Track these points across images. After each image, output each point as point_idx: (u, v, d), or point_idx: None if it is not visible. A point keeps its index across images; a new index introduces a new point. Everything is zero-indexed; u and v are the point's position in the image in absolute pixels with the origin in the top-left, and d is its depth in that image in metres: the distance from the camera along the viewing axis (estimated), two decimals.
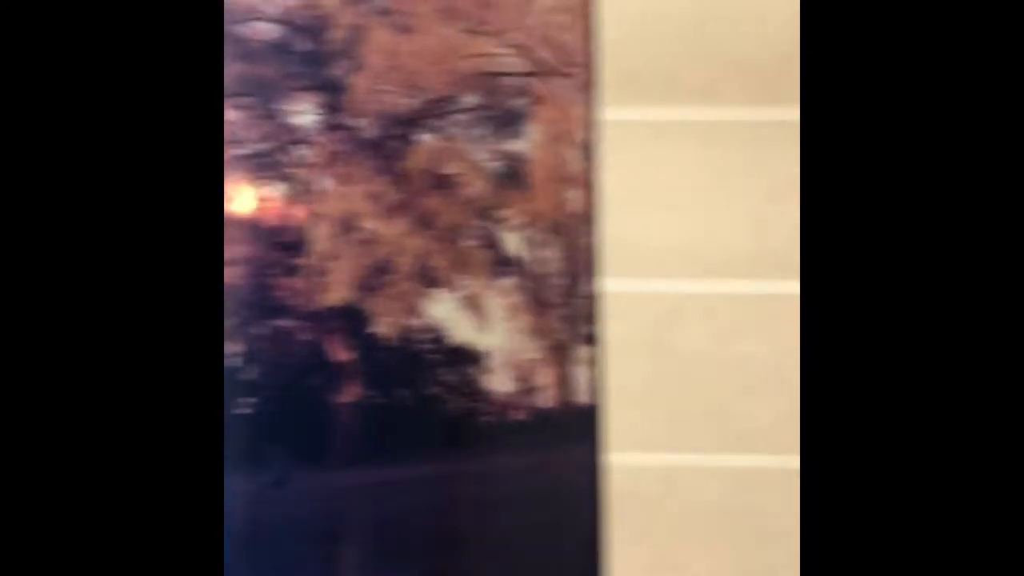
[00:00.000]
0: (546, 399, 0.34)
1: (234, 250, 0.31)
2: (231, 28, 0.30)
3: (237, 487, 0.31)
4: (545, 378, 0.34)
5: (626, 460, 0.34)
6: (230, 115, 0.31)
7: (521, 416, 0.34)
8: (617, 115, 0.34)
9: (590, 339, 0.35)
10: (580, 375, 0.35)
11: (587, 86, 0.35)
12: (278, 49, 0.31)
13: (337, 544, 0.31)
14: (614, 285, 0.35)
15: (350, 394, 0.31)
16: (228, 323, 0.31)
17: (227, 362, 0.31)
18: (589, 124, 0.35)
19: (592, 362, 0.35)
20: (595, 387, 0.35)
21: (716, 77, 0.33)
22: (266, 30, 0.31)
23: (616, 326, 0.35)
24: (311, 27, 0.31)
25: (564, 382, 0.34)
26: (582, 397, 0.35)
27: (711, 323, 0.33)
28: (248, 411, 0.31)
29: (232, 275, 0.31)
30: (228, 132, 0.31)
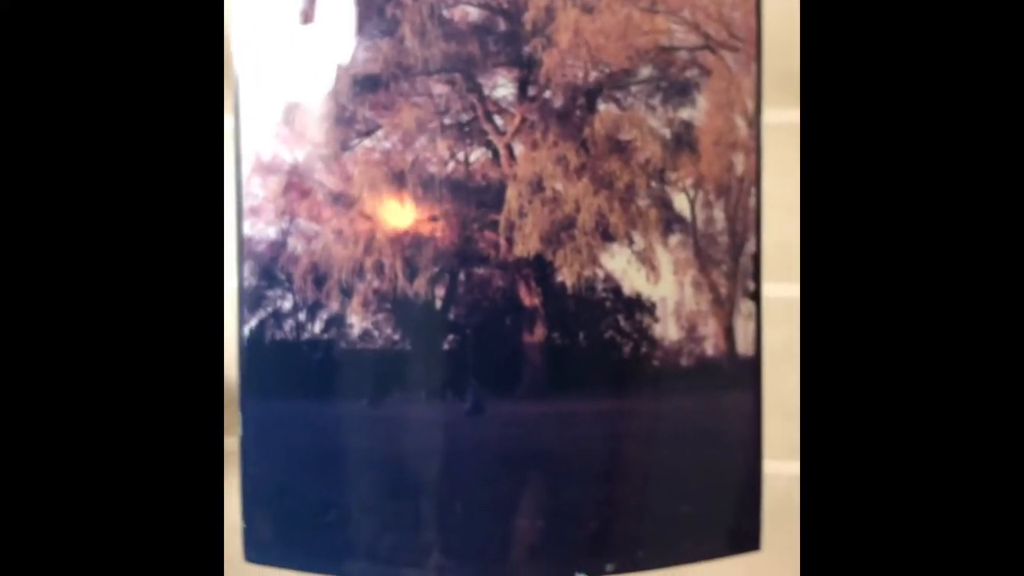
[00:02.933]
0: (710, 348, 0.37)
1: (443, 207, 0.35)
2: (441, 11, 0.35)
3: (440, 412, 0.35)
4: (709, 329, 0.37)
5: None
6: (439, 88, 0.35)
7: (687, 362, 0.37)
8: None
9: (753, 295, 0.38)
10: (743, 328, 0.37)
11: (753, 59, 0.38)
12: (480, 30, 0.35)
13: (522, 466, 0.36)
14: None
15: (536, 335, 0.35)
16: (434, 270, 0.36)
17: (434, 303, 0.36)
18: (754, 94, 0.38)
19: (754, 316, 0.38)
20: (757, 340, 0.38)
21: None
22: (470, 13, 0.35)
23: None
24: (509, 10, 0.35)
25: (727, 333, 0.37)
26: (744, 348, 0.37)
27: None
28: (449, 347, 0.35)
29: (438, 228, 0.35)
30: (437, 104, 0.35)
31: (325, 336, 0.36)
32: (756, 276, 0.37)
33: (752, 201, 0.37)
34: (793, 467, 0.36)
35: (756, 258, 0.37)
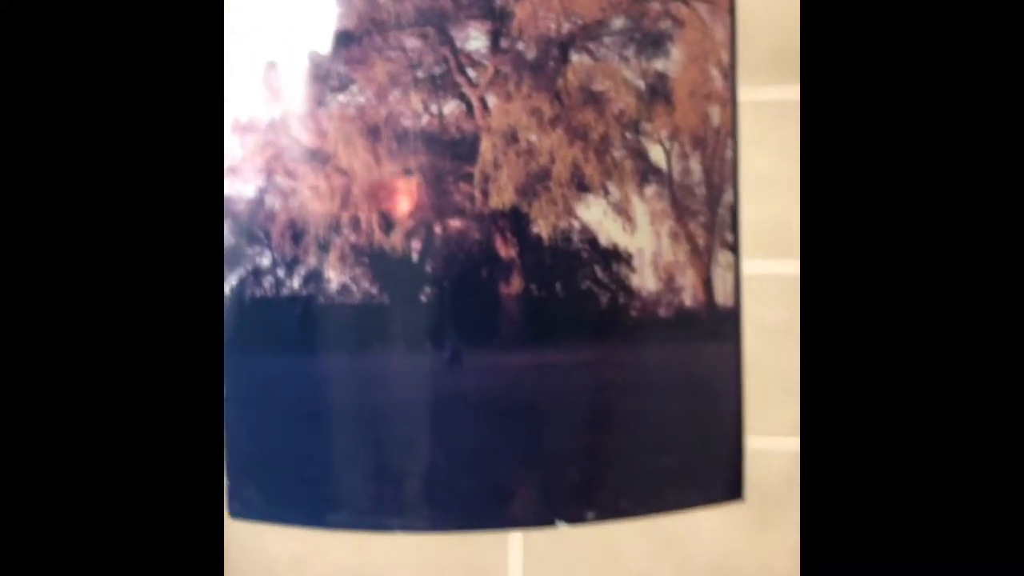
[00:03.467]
0: (689, 299, 0.37)
1: (417, 160, 0.35)
2: None
3: (420, 363, 0.36)
4: (688, 280, 0.37)
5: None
6: (412, 42, 0.35)
7: (666, 313, 0.37)
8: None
9: (732, 246, 0.38)
10: (721, 279, 0.37)
11: (726, 11, 0.37)
12: None
13: (502, 416, 0.36)
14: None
15: (513, 286, 0.36)
16: (410, 224, 0.36)
17: (411, 256, 0.36)
18: (728, 45, 0.38)
19: (733, 267, 0.38)
20: (736, 291, 0.38)
21: None
22: None
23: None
24: None
25: (706, 284, 0.37)
26: (723, 299, 0.38)
27: None
28: (427, 299, 0.36)
29: (414, 182, 0.36)
30: (410, 58, 0.35)
31: (304, 292, 0.36)
32: (734, 227, 0.38)
33: (728, 153, 0.37)
34: (793, 443, 0.36)
35: (734, 209, 0.37)
